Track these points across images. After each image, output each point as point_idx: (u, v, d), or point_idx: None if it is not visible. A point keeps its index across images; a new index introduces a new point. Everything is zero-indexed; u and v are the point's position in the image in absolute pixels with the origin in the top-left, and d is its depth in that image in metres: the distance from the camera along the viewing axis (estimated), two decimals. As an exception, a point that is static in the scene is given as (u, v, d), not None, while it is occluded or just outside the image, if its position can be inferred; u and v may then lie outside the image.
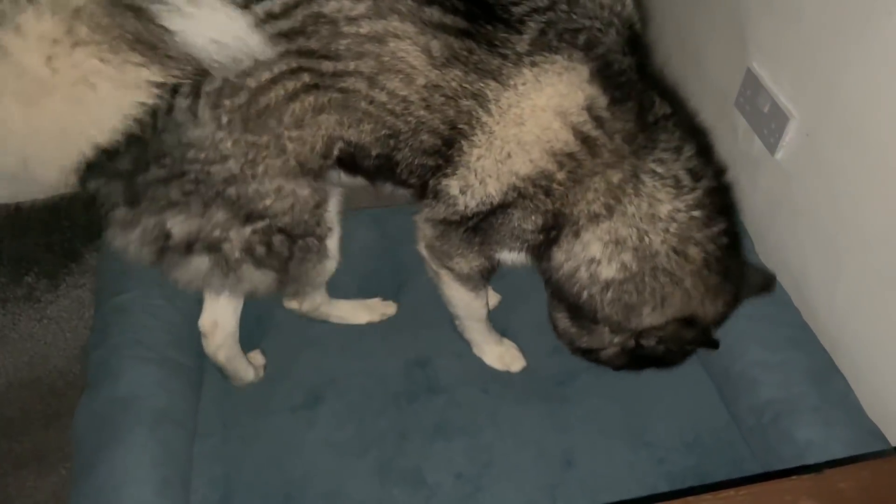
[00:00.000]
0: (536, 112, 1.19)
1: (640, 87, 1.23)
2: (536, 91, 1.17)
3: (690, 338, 1.35)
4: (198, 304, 1.53)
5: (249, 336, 1.63)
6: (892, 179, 1.35)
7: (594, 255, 1.29)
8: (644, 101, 1.24)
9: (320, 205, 1.33)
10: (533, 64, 1.16)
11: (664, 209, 1.27)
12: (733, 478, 1.40)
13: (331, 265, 1.46)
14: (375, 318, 1.72)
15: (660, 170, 1.26)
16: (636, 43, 1.24)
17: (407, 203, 1.46)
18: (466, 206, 1.29)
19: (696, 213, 1.28)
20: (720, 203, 1.33)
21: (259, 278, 1.36)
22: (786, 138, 1.61)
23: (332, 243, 1.42)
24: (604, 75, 1.17)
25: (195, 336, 1.56)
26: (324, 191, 1.33)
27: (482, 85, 1.17)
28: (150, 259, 1.28)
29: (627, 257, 1.28)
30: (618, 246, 1.28)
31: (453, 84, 1.17)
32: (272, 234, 1.30)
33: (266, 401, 1.54)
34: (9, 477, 1.91)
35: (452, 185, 1.28)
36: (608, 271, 1.30)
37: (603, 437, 1.51)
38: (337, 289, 1.68)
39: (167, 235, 1.24)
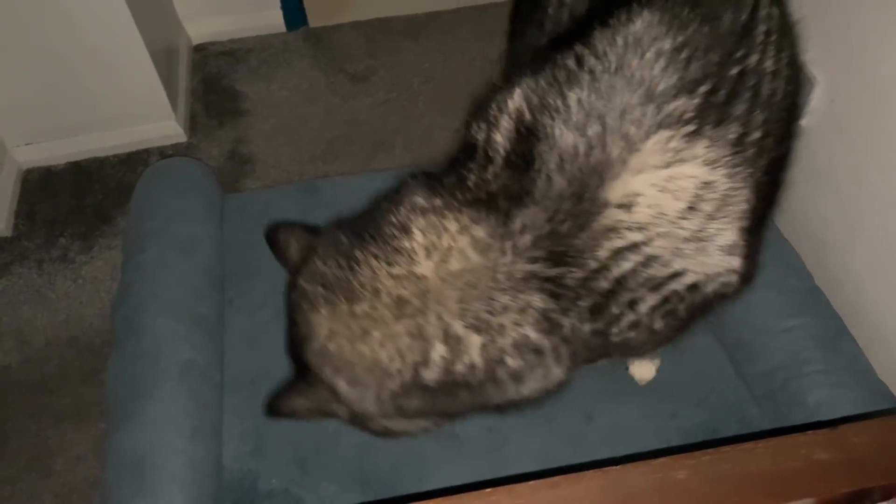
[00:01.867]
0: None
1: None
2: None
3: None
4: (212, 258, 1.63)
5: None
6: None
7: None
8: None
9: None
10: None
11: None
12: (744, 433, 1.44)
13: None
14: None
15: None
16: None
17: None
18: None
19: None
20: None
21: None
22: (811, 104, 1.61)
23: None
24: None
25: (214, 287, 1.63)
26: None
27: None
28: None
29: None
30: None
31: None
32: None
33: (297, 361, 1.59)
34: (49, 430, 2.00)
35: None
36: None
37: (621, 394, 1.54)
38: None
39: None
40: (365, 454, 1.44)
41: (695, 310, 1.07)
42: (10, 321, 2.22)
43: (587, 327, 1.03)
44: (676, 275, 1.00)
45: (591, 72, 0.97)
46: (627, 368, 1.57)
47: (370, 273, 1.07)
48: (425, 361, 1.05)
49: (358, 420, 1.16)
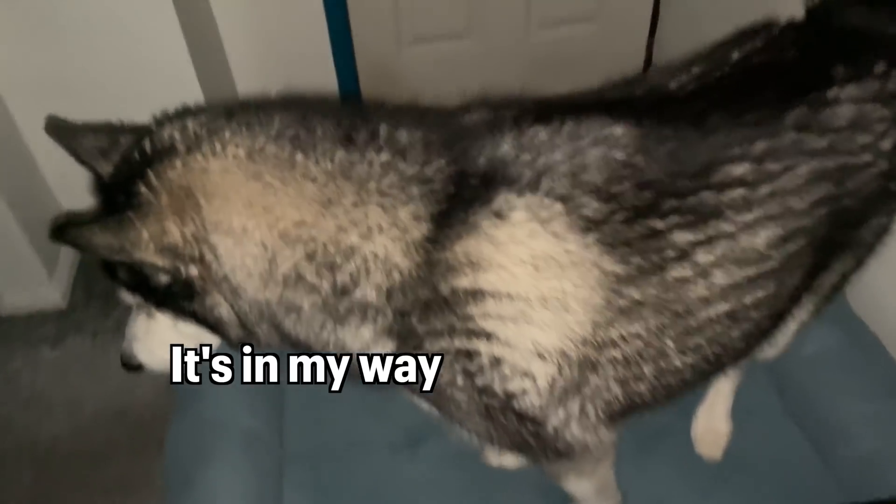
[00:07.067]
0: None
1: None
2: None
3: None
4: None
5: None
6: None
7: None
8: None
9: None
10: None
11: None
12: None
13: None
14: None
15: None
16: None
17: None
18: None
19: None
20: None
21: None
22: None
23: None
24: None
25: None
26: None
27: None
28: None
29: None
30: None
31: None
32: None
33: (361, 435, 1.54)
34: (98, 501, 1.95)
35: None
36: None
37: (695, 484, 1.47)
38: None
39: None
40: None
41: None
42: (61, 392, 2.21)
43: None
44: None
45: None
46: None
47: None
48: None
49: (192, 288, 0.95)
